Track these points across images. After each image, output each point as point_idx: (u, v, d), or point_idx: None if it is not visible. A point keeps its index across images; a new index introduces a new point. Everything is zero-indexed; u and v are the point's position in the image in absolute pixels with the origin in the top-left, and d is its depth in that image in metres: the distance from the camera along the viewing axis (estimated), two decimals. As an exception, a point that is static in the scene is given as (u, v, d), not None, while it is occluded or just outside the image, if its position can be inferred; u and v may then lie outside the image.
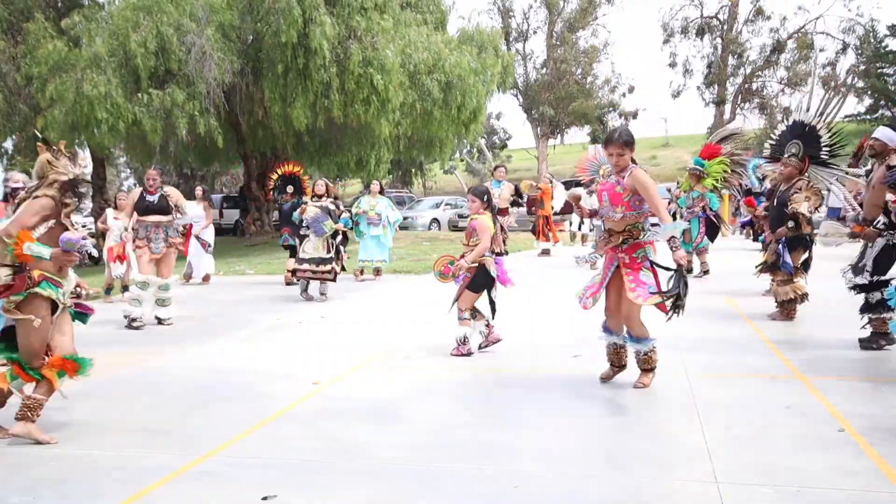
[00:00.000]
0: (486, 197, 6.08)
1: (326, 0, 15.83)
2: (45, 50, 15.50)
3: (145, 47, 14.93)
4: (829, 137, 6.61)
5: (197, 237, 11.16)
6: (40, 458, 3.85)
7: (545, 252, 14.41)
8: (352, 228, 10.75)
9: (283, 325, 7.86)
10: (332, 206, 9.51)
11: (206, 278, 12.06)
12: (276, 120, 16.94)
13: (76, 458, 3.86)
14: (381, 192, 11.94)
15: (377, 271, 11.80)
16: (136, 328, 7.83)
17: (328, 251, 9.34)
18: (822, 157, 6.65)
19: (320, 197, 9.57)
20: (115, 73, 15.02)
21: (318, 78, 15.71)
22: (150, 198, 8.06)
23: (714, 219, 10.13)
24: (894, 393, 4.66)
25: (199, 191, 12.54)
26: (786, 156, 6.84)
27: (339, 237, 9.64)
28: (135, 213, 8.07)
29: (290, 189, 10.45)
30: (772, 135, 7.50)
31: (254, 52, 16.90)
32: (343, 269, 9.91)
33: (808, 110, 6.76)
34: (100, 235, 20.94)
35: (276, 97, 16.15)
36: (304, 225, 9.42)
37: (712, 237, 10.45)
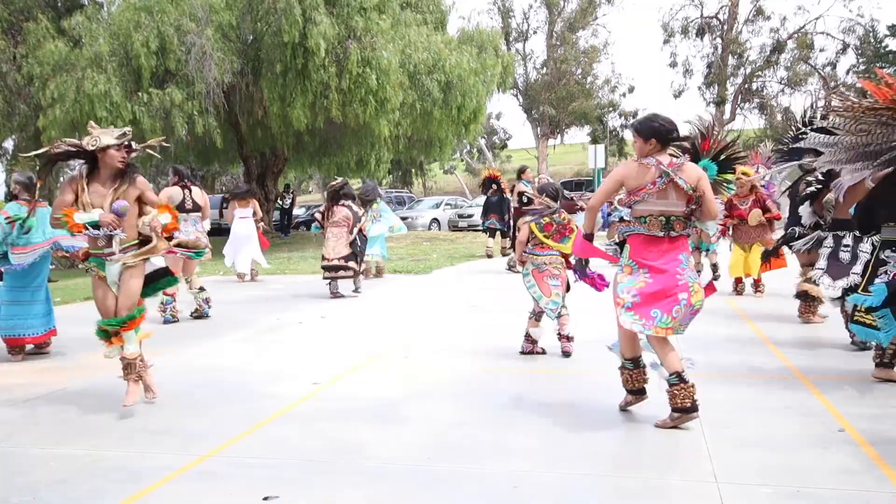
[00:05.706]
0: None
1: (326, 0, 15.84)
2: (46, 50, 15.51)
3: (147, 47, 14.95)
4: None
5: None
6: (41, 459, 3.85)
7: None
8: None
9: (283, 325, 7.85)
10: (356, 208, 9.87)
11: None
12: (276, 120, 16.93)
13: (76, 458, 3.86)
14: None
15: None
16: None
17: (349, 249, 9.61)
18: None
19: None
20: (116, 73, 15.04)
21: (318, 78, 15.70)
22: None
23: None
24: (894, 393, 4.67)
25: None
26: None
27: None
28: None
29: (493, 187, 13.39)
30: (784, 138, 7.68)
31: (253, 52, 16.89)
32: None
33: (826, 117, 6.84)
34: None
35: (276, 97, 16.13)
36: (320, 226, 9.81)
37: None
